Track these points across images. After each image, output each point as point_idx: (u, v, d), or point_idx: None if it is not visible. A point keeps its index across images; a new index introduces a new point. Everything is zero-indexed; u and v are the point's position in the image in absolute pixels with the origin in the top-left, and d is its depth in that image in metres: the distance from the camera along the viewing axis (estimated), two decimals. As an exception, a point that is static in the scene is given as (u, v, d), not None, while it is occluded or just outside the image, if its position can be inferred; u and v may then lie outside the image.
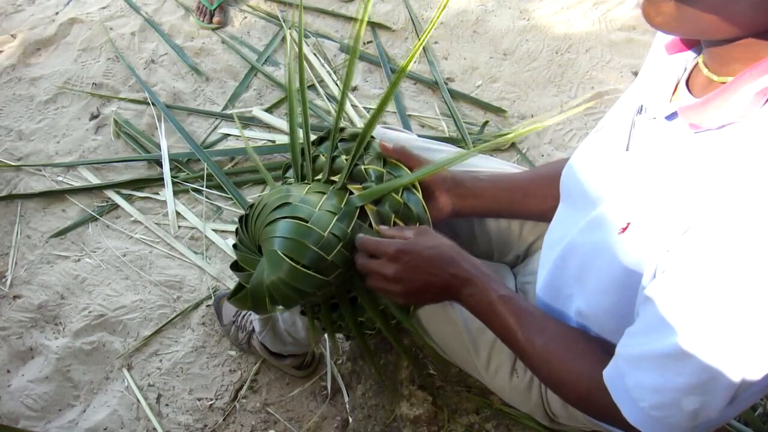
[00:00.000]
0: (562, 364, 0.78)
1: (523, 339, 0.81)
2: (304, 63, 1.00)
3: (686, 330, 0.61)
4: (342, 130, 0.98)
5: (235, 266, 0.97)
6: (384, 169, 0.93)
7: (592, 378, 0.75)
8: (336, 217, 0.87)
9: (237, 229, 0.96)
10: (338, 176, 0.94)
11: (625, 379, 0.68)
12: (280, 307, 0.90)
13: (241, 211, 1.79)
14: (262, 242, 0.89)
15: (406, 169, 0.95)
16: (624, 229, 0.69)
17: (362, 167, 0.93)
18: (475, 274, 0.85)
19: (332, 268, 0.87)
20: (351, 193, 0.92)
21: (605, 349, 0.78)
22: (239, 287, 0.99)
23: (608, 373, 0.72)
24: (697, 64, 0.70)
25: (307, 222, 0.86)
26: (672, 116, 0.70)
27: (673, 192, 0.65)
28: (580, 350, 0.79)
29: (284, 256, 0.84)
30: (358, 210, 0.91)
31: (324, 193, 0.90)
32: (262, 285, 0.86)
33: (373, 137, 0.96)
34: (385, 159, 0.95)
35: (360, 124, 2.03)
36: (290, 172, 1.04)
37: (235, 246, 0.97)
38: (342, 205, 0.89)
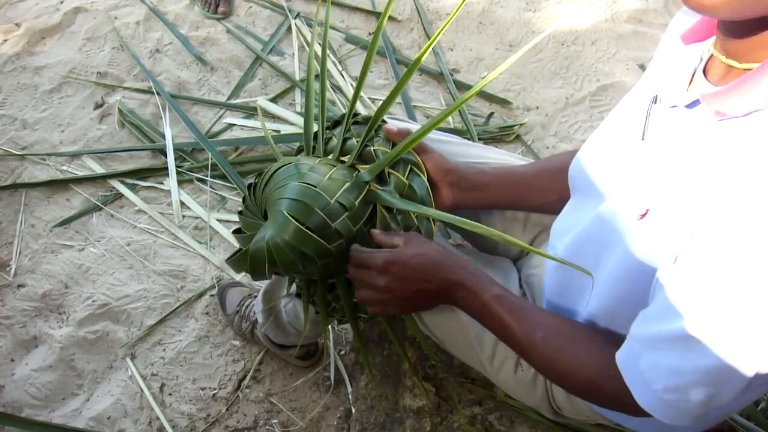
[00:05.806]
0: (564, 355, 0.78)
1: (522, 335, 0.80)
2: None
3: (709, 312, 0.60)
4: (356, 115, 1.01)
5: (237, 232, 0.98)
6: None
7: (597, 365, 0.75)
8: (344, 187, 0.89)
9: (244, 197, 0.97)
10: (348, 156, 0.96)
11: (640, 361, 0.67)
12: (276, 274, 0.90)
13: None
14: (269, 206, 0.90)
15: (414, 153, 0.96)
16: (643, 216, 0.69)
17: (372, 149, 0.95)
18: (464, 276, 0.84)
19: (335, 236, 0.88)
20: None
21: (606, 337, 0.77)
22: (239, 252, 1.00)
23: (621, 356, 0.71)
24: (713, 53, 0.69)
25: (315, 187, 0.87)
26: (693, 104, 0.69)
27: (697, 177, 0.64)
28: (580, 339, 0.78)
29: (290, 217, 0.85)
30: (367, 187, 0.92)
31: (333, 166, 0.92)
32: (263, 247, 0.86)
33: (384, 121, 0.98)
34: (393, 144, 0.96)
35: (365, 113, 2.02)
36: (302, 155, 1.05)
37: (240, 212, 0.98)
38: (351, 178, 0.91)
